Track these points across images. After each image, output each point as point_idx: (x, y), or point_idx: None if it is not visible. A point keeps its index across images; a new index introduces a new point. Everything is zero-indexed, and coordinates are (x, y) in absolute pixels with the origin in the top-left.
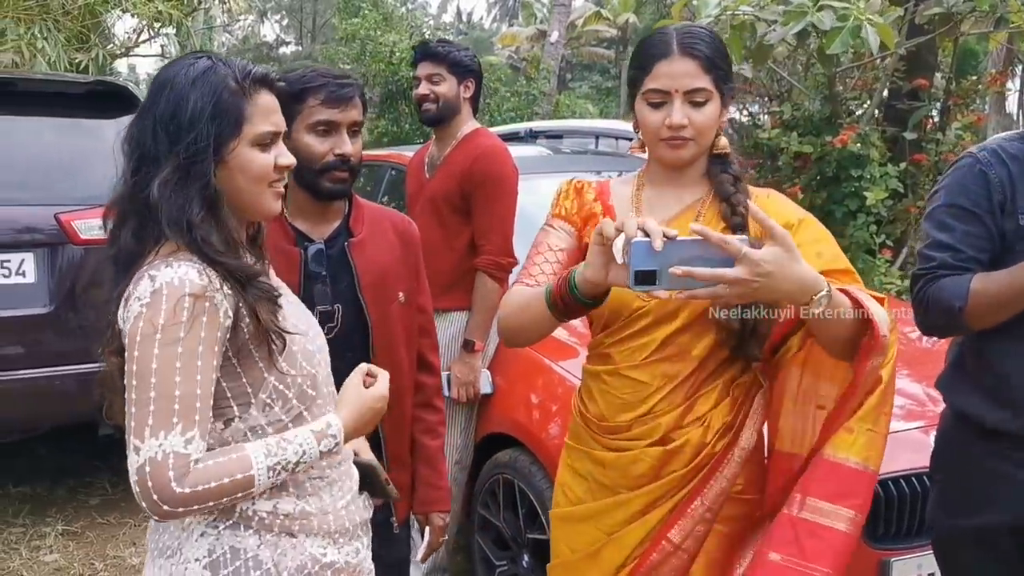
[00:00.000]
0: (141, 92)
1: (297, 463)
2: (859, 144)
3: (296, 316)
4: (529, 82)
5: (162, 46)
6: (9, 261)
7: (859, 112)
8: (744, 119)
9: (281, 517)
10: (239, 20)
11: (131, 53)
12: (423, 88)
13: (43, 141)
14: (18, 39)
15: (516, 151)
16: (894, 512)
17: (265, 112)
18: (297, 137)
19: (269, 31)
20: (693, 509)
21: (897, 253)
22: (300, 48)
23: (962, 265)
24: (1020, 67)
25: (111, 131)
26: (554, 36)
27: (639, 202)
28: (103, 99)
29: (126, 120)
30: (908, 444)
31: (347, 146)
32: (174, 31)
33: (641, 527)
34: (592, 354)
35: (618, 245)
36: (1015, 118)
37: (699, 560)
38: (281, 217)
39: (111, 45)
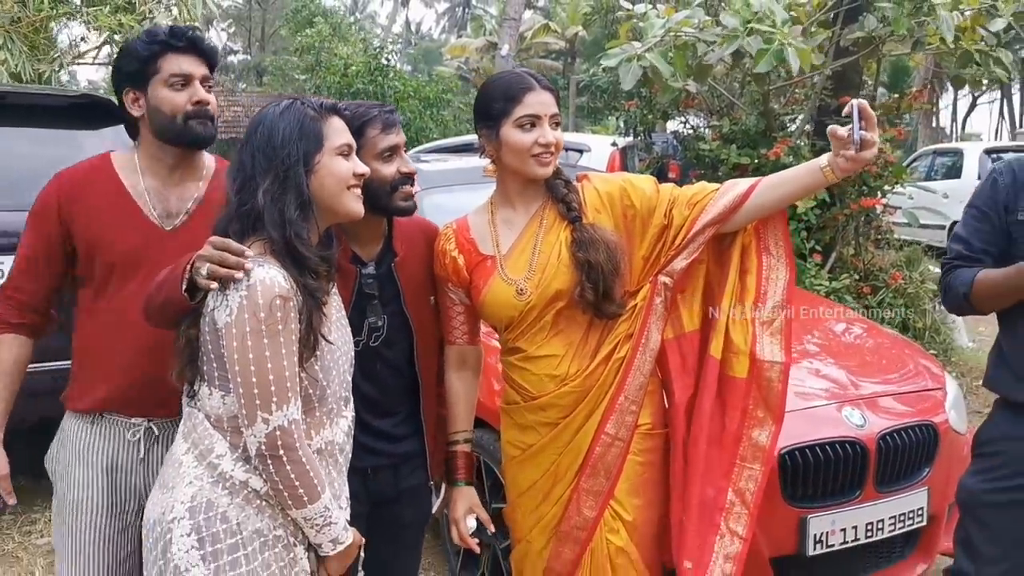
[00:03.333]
0: None
1: (321, 528)
2: (791, 156)
3: (338, 327)
4: None
5: (109, 55)
6: (3, 265)
7: (792, 127)
8: (687, 132)
9: (250, 489)
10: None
11: (79, 62)
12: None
13: (29, 151)
14: None
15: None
16: (811, 476)
17: (339, 130)
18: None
19: (216, 39)
20: (620, 404)
21: (826, 257)
22: (248, 57)
23: (973, 255)
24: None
25: (94, 141)
26: (504, 49)
27: (495, 224)
28: (87, 111)
29: (108, 131)
30: (824, 418)
31: (408, 164)
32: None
33: (585, 433)
34: (505, 350)
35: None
36: (948, 131)
37: (621, 485)
38: (343, 242)
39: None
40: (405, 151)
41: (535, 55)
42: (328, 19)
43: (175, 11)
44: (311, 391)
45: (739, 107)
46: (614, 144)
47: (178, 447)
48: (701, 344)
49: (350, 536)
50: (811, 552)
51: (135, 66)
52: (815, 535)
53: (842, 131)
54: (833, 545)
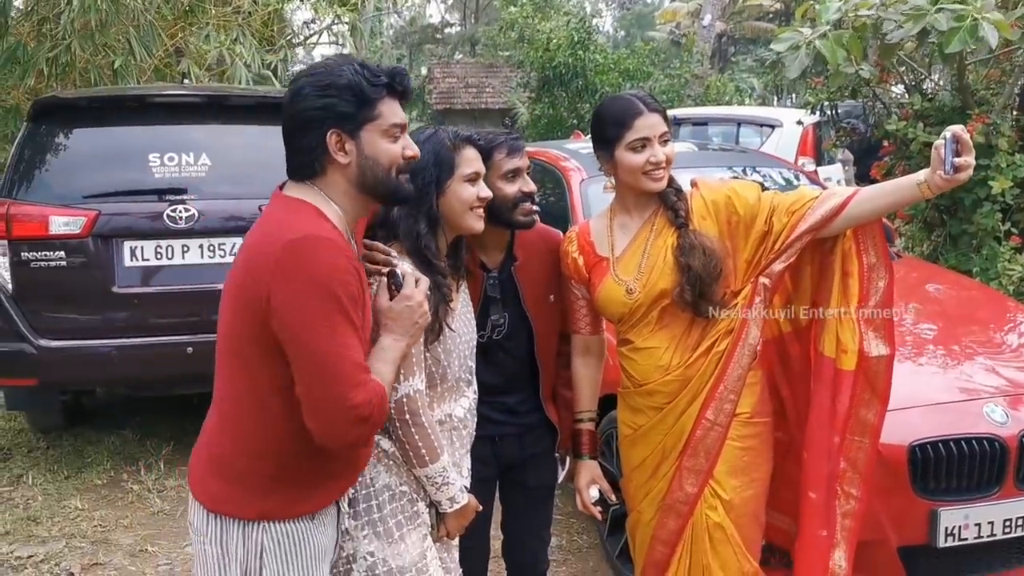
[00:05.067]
0: None
1: (440, 486)
2: (984, 136)
3: (461, 319)
4: (684, 63)
5: (336, 34)
6: (225, 244)
7: (994, 101)
8: (879, 108)
9: (380, 449)
10: (407, 2)
11: (307, 43)
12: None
13: (250, 145)
14: (220, 44)
15: None
16: (943, 470)
17: (469, 160)
18: (491, 185)
19: (435, 12)
20: (720, 393)
21: None
22: (463, 29)
23: None
24: None
25: None
26: (707, 19)
27: (612, 229)
28: None
29: None
30: (963, 413)
31: (529, 185)
32: (348, 28)
33: (688, 417)
34: (618, 341)
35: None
36: None
37: (720, 467)
38: (471, 250)
39: (290, 37)
40: (528, 173)
41: (748, 17)
42: None
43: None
44: (434, 369)
45: (932, 82)
46: (799, 122)
47: None
48: (811, 336)
49: (466, 498)
50: (942, 544)
51: (351, 108)
52: (946, 528)
53: (942, 151)
54: (967, 539)
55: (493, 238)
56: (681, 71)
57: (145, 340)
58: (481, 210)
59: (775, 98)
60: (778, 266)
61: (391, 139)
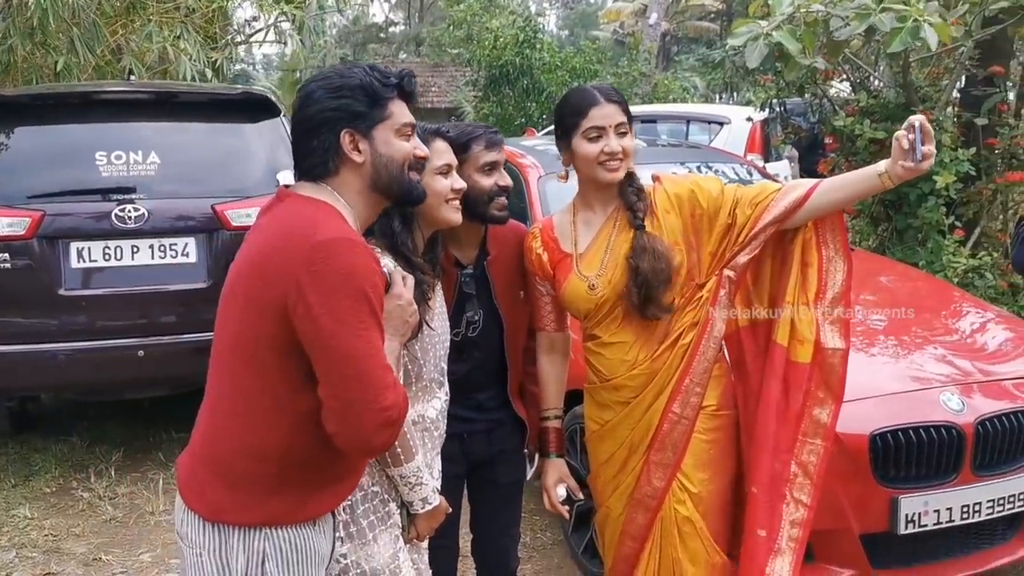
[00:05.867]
0: (280, 98)
1: (413, 486)
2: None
3: (438, 318)
4: (630, 63)
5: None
6: (176, 244)
7: (937, 98)
8: (825, 104)
9: None
10: (350, 1)
11: (251, 40)
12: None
13: (201, 143)
14: (162, 41)
15: None
16: (903, 458)
17: (439, 152)
18: (467, 177)
19: (379, 11)
20: (686, 386)
21: (969, 234)
22: (408, 28)
23: None
24: None
25: (255, 134)
26: (652, 17)
27: (575, 226)
28: (249, 106)
29: (268, 124)
30: (920, 402)
31: (505, 179)
32: (291, 24)
33: (654, 411)
34: (584, 336)
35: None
36: None
37: (687, 460)
38: (445, 246)
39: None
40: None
41: (691, 17)
42: None
43: None
44: (410, 367)
45: (877, 80)
46: (749, 119)
47: None
48: (768, 331)
49: (438, 499)
50: (902, 531)
51: (364, 107)
52: (907, 515)
53: (905, 142)
54: (926, 525)
55: (467, 233)
56: (630, 70)
57: (94, 344)
58: (457, 202)
59: (718, 97)
60: (743, 258)
61: (404, 138)
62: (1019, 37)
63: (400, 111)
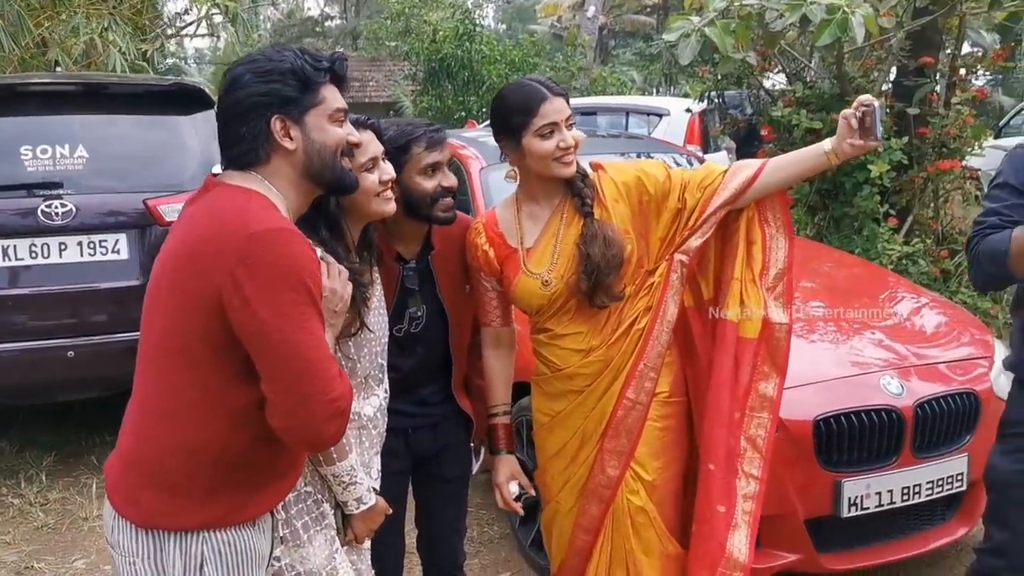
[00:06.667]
0: (213, 92)
1: (347, 486)
2: None
3: (375, 315)
4: (568, 57)
5: (210, 26)
6: (106, 241)
7: (868, 88)
8: (762, 96)
9: None
10: None
11: (182, 34)
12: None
13: (131, 136)
14: (90, 32)
15: None
16: (845, 442)
17: (363, 145)
18: (408, 179)
19: (313, 5)
20: (640, 371)
21: (902, 221)
22: (344, 22)
23: (1004, 225)
24: None
25: (189, 127)
26: (591, 11)
27: (520, 220)
28: (181, 99)
29: (201, 117)
30: (861, 386)
31: (450, 179)
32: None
33: (609, 398)
34: (534, 329)
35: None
36: None
37: (641, 448)
38: (386, 241)
39: (163, 27)
40: (448, 167)
41: (628, 11)
42: None
43: None
44: (343, 364)
45: (812, 70)
46: (688, 110)
47: None
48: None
49: (374, 499)
50: (845, 514)
51: (295, 92)
52: (850, 498)
53: (854, 120)
54: (868, 508)
55: (411, 230)
56: (568, 64)
57: (22, 345)
58: (388, 192)
59: (655, 90)
60: (695, 241)
61: (337, 124)
62: (948, 28)
63: (332, 96)
